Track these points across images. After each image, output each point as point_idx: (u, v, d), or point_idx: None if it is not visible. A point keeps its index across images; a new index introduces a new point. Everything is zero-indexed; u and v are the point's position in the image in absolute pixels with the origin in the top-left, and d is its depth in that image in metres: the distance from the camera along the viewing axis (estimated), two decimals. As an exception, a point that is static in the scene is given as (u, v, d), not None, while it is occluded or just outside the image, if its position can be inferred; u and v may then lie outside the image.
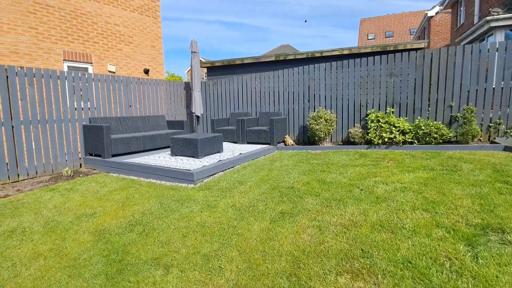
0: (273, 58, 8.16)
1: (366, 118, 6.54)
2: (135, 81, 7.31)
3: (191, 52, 7.85)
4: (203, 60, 14.63)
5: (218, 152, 6.19)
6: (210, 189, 4.19)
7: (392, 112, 6.43)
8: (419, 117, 6.23)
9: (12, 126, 5.10)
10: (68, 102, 5.90)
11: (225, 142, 7.82)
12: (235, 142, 7.72)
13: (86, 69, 8.10)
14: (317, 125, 6.92)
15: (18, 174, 5.21)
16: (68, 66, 7.72)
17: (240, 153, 6.06)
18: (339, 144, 7.07)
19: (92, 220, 3.34)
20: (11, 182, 5.11)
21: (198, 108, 8.05)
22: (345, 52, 7.37)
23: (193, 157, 5.68)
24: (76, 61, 7.82)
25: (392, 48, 6.93)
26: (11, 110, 5.08)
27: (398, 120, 6.27)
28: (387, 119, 6.22)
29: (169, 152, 6.38)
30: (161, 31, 10.02)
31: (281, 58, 8.05)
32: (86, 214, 3.54)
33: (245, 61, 8.57)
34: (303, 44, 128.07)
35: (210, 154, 5.95)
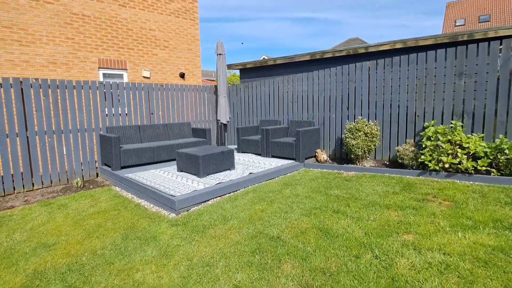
0: (308, 57, 6.95)
1: (421, 133, 4.91)
2: (157, 87, 7.04)
3: (217, 55, 7.22)
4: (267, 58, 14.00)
5: (228, 169, 5.41)
6: (186, 225, 3.45)
7: (461, 126, 4.65)
8: (501, 136, 4.35)
9: (27, 137, 5.23)
10: (85, 111, 5.88)
11: (249, 154, 6.99)
12: (259, 155, 6.83)
13: (121, 75, 8.23)
14: (354, 139, 5.54)
15: (33, 184, 5.34)
16: (103, 74, 7.93)
17: (251, 173, 5.16)
18: (384, 164, 5.55)
19: (44, 254, 2.96)
20: (26, 191, 5.25)
21: (223, 115, 7.40)
22: (398, 45, 5.73)
23: (195, 175, 5.03)
24: (110, 68, 7.99)
25: (465, 38, 5.05)
26: (26, 121, 5.21)
27: (469, 137, 4.49)
28: (451, 137, 4.50)
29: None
30: (198, 33, 9.70)
31: (318, 57, 6.79)
32: (46, 244, 3.19)
33: (278, 62, 7.55)
34: (379, 36, 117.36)
35: (217, 172, 5.21)
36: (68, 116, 5.64)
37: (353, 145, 5.53)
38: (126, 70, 8.25)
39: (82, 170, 5.87)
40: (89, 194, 4.95)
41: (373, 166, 5.49)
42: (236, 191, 4.62)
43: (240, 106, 8.20)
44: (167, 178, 4.99)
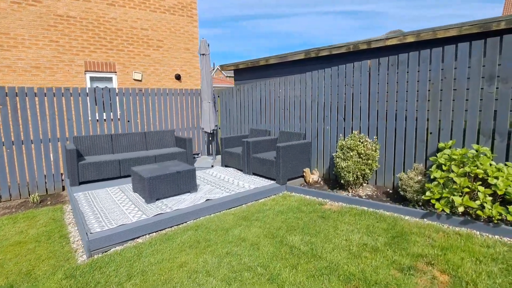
0: (302, 56, 5.79)
1: (431, 158, 3.58)
2: (135, 92, 6.43)
3: (200, 55, 6.40)
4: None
5: (188, 192, 4.57)
6: (78, 279, 2.68)
7: (489, 152, 3.25)
8: (551, 171, 2.90)
9: (-18, 148, 4.92)
10: (48, 120, 5.47)
11: (230, 170, 6.08)
12: (241, 171, 5.88)
13: (110, 79, 7.82)
14: (344, 160, 4.35)
15: (-9, 197, 5.04)
16: (91, 77, 7.56)
17: (208, 199, 4.26)
18: (385, 193, 4.28)
19: None
20: (-19, 206, 4.96)
21: (207, 123, 6.58)
22: (410, 39, 4.34)
23: (144, 199, 4.27)
24: (98, 71, 7.60)
25: (503, 26, 3.54)
26: (-20, 131, 4.90)
27: (500, 169, 3.10)
28: (469, 168, 3.15)
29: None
30: (197, 31, 8.96)
31: (313, 55, 5.59)
32: None
33: (271, 61, 6.48)
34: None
35: (172, 196, 4.41)
36: (29, 125, 5.25)
37: (342, 167, 4.34)
38: (116, 72, 7.81)
39: (46, 183, 5.47)
40: (32, 215, 4.45)
41: (369, 196, 4.25)
42: (181, 224, 3.76)
43: (234, 112, 7.30)
44: (115, 201, 4.31)
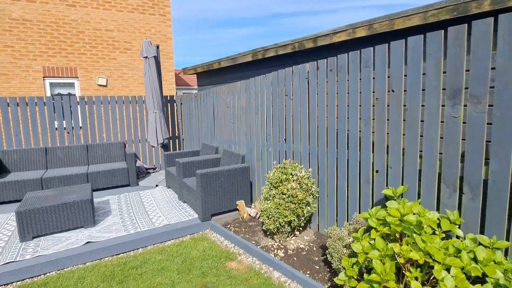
0: (250, 58, 4.68)
1: (365, 213, 2.33)
2: (75, 101, 5.80)
3: (144, 58, 5.57)
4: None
5: (82, 227, 3.75)
6: None
7: (452, 216, 1.95)
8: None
9: None
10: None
11: (171, 191, 5.17)
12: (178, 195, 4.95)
13: (71, 84, 7.34)
14: (267, 200, 3.21)
15: None
16: (51, 83, 7.14)
17: (89, 242, 3.38)
18: (322, 249, 3.06)
19: None
20: None
21: (153, 135, 5.73)
22: (361, 32, 3.03)
23: (19, 236, 3.52)
24: (58, 77, 7.15)
25: (487, 7, 2.15)
26: None
27: (459, 249, 1.80)
28: (403, 248, 1.89)
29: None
30: (171, 30, 8.18)
31: (260, 57, 4.46)
32: None
33: (223, 64, 5.43)
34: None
35: (59, 232, 3.62)
36: None
37: (264, 210, 3.20)
38: (78, 78, 7.32)
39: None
40: None
41: (298, 251, 3.06)
42: (31, 278, 2.93)
43: (194, 122, 6.39)
44: (-10, 235, 3.63)
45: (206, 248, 3.41)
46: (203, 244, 3.50)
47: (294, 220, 3.07)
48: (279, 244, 3.22)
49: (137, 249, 3.46)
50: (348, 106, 2.86)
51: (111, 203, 4.72)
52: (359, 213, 2.89)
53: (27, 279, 2.90)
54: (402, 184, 2.50)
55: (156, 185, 5.67)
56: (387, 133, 2.56)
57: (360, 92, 2.72)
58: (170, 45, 8.14)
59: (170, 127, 6.81)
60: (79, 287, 2.73)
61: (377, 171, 2.66)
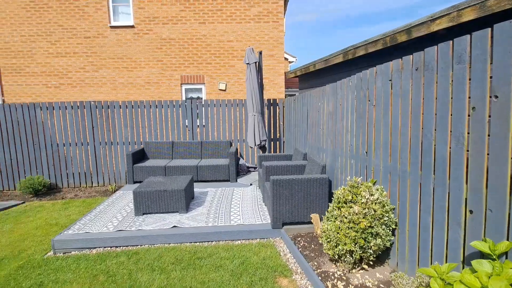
0: (341, 58, 4.14)
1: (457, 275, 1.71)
2: (195, 104, 6.84)
3: (246, 64, 5.96)
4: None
5: (177, 212, 4.43)
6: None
7: None
8: None
9: (94, 146, 6.78)
10: (128, 126, 6.79)
11: (260, 192, 5.35)
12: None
13: (200, 89, 8.70)
14: (330, 220, 2.85)
15: (92, 182, 6.88)
16: (185, 89, 8.70)
17: (175, 226, 3.94)
18: (387, 294, 2.46)
19: None
20: (87, 187, 6.85)
21: (251, 137, 6.08)
22: (468, 15, 2.09)
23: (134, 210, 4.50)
24: (191, 83, 8.62)
25: None
26: (88, 134, 6.74)
27: None
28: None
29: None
30: (283, 36, 8.32)
31: (350, 57, 3.87)
32: None
33: (317, 67, 5.04)
34: None
35: (161, 213, 4.42)
36: (116, 131, 6.74)
37: (323, 231, 2.86)
38: (204, 83, 8.62)
39: (120, 178, 6.87)
40: (88, 202, 5.71)
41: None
42: (127, 247, 3.70)
43: (292, 125, 6.37)
44: (123, 207, 4.83)
45: (267, 256, 3.36)
46: (266, 252, 3.46)
47: (356, 250, 2.58)
48: (342, 274, 2.79)
49: (210, 241, 3.79)
50: (436, 115, 2.15)
51: (208, 195, 5.35)
52: (446, 261, 2.14)
53: (129, 247, 3.69)
54: (508, 238, 1.68)
55: (250, 184, 6.01)
56: (487, 155, 1.76)
57: (451, 98, 1.99)
58: (281, 50, 8.40)
59: (272, 129, 7.05)
60: (155, 263, 3.25)
61: (470, 212, 1.88)
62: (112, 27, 8.41)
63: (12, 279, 3.04)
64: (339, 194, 2.87)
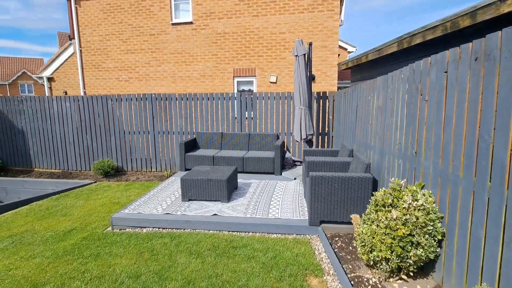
0: (395, 47, 3.71)
1: None
2: (244, 96, 6.96)
3: (295, 57, 5.82)
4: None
5: (219, 200, 4.63)
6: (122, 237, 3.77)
7: None
8: None
9: (154, 135, 7.46)
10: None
11: (302, 187, 5.25)
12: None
13: (251, 82, 8.80)
14: (366, 223, 2.67)
15: (151, 167, 7.58)
16: (237, 81, 8.90)
17: (215, 214, 4.12)
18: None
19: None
20: (147, 171, 7.59)
21: (297, 131, 5.97)
22: None
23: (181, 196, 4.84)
24: (242, 76, 8.78)
25: None
26: (153, 123, 7.42)
27: None
28: None
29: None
30: (337, 25, 7.83)
31: (405, 45, 3.43)
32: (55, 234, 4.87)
33: (370, 57, 4.61)
34: None
35: (204, 200, 4.67)
36: (172, 121, 7.28)
37: (358, 234, 2.69)
38: (255, 76, 8.70)
39: (174, 164, 7.41)
40: (146, 186, 6.32)
41: (391, 297, 2.39)
42: (171, 229, 4.00)
43: (342, 119, 6.07)
44: (173, 192, 5.23)
45: (300, 253, 3.31)
46: (300, 249, 3.41)
47: (392, 259, 2.38)
48: (377, 282, 2.61)
49: (247, 232, 3.88)
50: (496, 112, 1.82)
51: (251, 186, 5.46)
52: (498, 284, 1.83)
53: (174, 229, 4.00)
54: None
55: (294, 178, 5.95)
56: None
57: (516, 94, 1.66)
58: (336, 40, 7.97)
59: (320, 123, 6.82)
60: (194, 247, 3.47)
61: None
62: (173, 24, 9.00)
63: (77, 248, 3.56)
64: (378, 196, 2.67)
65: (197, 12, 8.77)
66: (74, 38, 10.15)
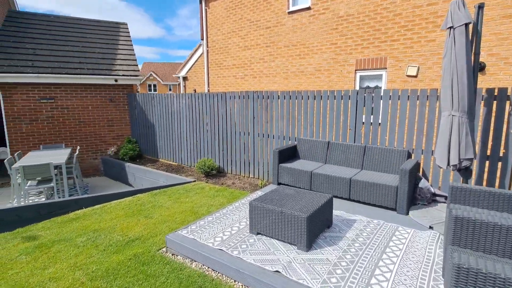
0: None
1: None
2: (362, 95, 5.09)
3: (447, 30, 3.57)
4: None
5: (295, 245, 3.25)
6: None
7: None
8: None
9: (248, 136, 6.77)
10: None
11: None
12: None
13: (379, 76, 6.61)
14: None
15: (249, 172, 6.89)
16: (360, 76, 6.93)
17: (277, 271, 2.76)
18: None
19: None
20: (244, 176, 6.96)
21: (441, 151, 3.72)
22: None
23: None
24: (367, 69, 6.73)
25: None
26: (254, 126, 6.71)
27: None
28: None
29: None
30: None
31: None
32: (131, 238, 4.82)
33: None
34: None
35: (278, 240, 3.41)
36: (273, 123, 6.29)
37: None
38: (386, 69, 6.52)
39: (268, 173, 6.38)
40: (235, 195, 5.58)
41: None
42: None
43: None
44: (239, 218, 4.23)
45: None
46: None
47: None
48: None
49: None
50: None
51: (354, 227, 3.76)
52: None
53: (223, 276, 2.96)
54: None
55: (430, 227, 3.77)
56: None
57: None
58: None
59: (490, 141, 4.19)
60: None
61: None
62: (289, 12, 7.97)
63: (118, 270, 3.06)
64: None
65: (317, -6, 7.36)
66: (203, 39, 10.78)
